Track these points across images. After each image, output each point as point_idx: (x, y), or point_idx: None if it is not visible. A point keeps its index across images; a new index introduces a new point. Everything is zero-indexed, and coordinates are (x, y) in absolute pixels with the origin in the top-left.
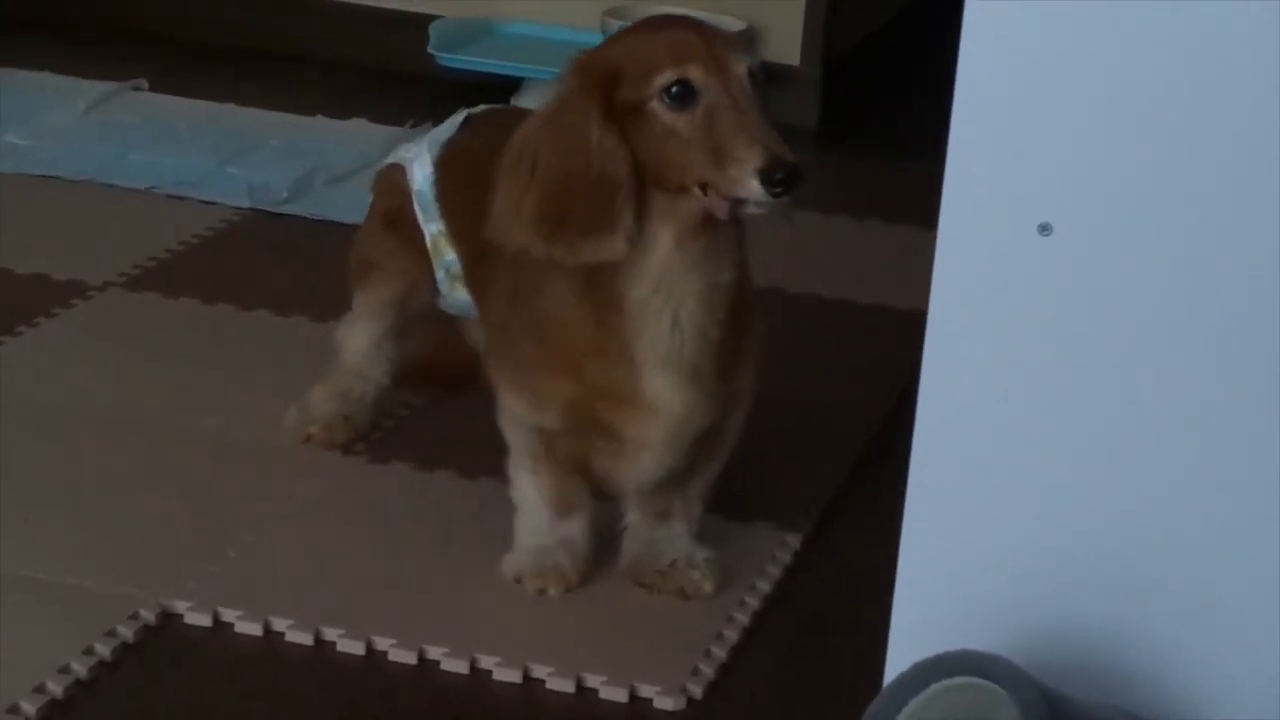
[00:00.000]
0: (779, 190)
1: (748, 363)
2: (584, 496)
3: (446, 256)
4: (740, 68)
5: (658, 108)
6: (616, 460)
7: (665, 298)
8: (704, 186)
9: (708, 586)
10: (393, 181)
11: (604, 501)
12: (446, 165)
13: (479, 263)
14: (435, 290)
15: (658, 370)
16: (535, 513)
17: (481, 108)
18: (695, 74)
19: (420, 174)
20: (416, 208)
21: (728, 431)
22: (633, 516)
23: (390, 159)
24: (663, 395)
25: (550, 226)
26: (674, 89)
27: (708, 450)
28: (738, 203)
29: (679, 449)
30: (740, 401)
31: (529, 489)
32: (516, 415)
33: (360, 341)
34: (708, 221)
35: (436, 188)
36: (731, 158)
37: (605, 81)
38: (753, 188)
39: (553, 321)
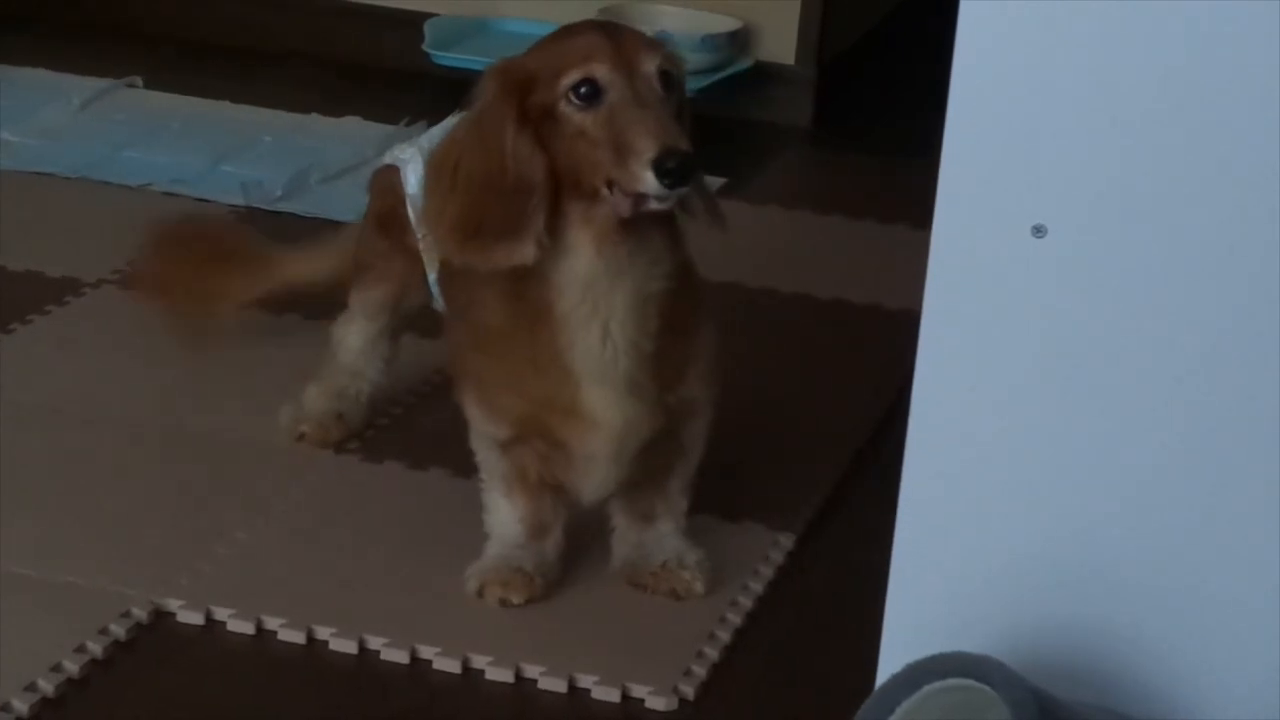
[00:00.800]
0: (670, 181)
1: (697, 369)
2: (559, 515)
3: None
4: (649, 65)
5: (566, 108)
6: (568, 472)
7: (593, 308)
8: (611, 185)
9: (699, 587)
10: (387, 183)
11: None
12: None
13: (446, 271)
14: (429, 292)
15: (593, 384)
16: (509, 535)
17: None
18: (600, 72)
19: (413, 177)
20: (410, 211)
21: (688, 440)
22: (619, 519)
23: (386, 159)
24: (601, 409)
25: (466, 233)
26: (581, 88)
27: (665, 458)
28: (639, 199)
29: (623, 461)
30: (696, 408)
31: (505, 512)
32: (478, 427)
33: (355, 340)
34: (625, 226)
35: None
36: (629, 151)
37: (520, 87)
38: (647, 179)
39: (492, 334)
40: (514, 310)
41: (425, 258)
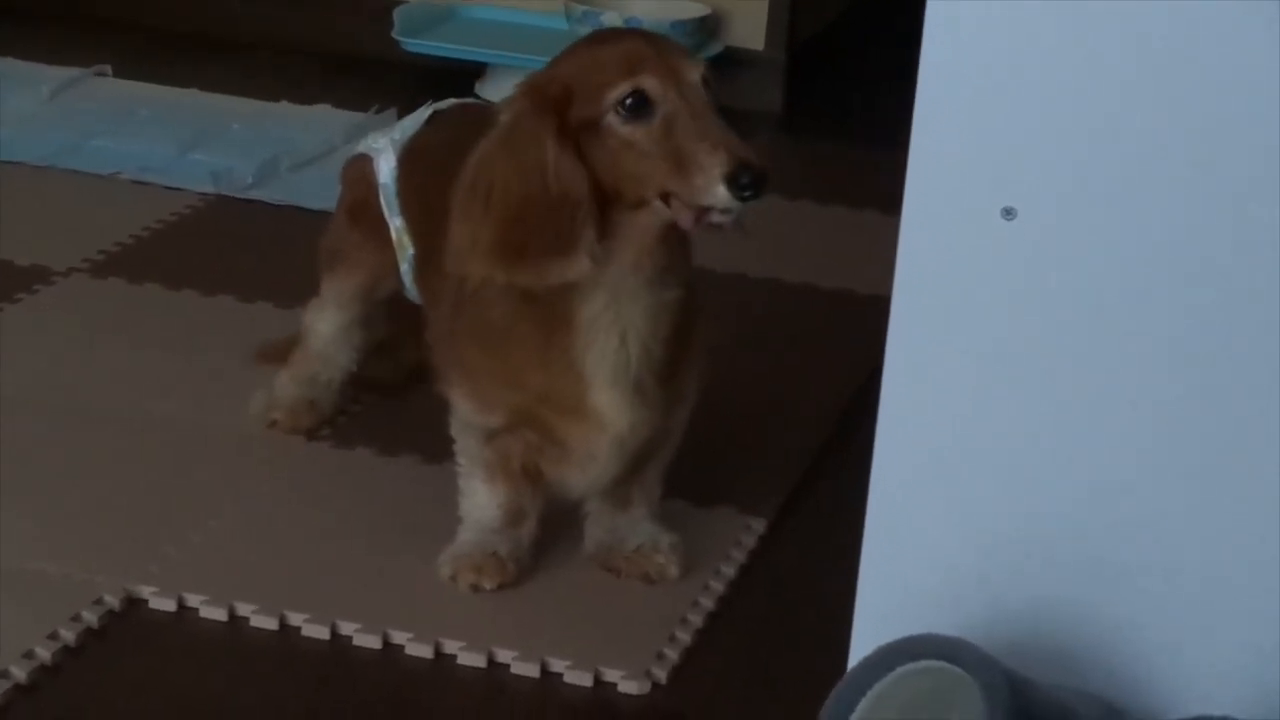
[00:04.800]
0: (748, 195)
1: (690, 369)
2: (536, 503)
3: (409, 250)
4: (694, 75)
5: (614, 121)
6: (562, 467)
7: (615, 315)
8: (665, 197)
9: (673, 570)
10: (360, 172)
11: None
12: (409, 161)
13: (427, 262)
14: (400, 282)
15: (604, 386)
16: (485, 520)
17: (448, 102)
18: (650, 84)
19: (385, 167)
20: (382, 201)
21: (673, 428)
22: (593, 504)
23: (359, 149)
24: (609, 410)
25: (512, 253)
26: (629, 101)
27: (653, 448)
28: (703, 211)
29: (623, 460)
30: (684, 400)
31: (483, 497)
32: (466, 419)
33: (327, 328)
34: (666, 236)
35: (398, 183)
36: (696, 165)
37: (558, 100)
38: (720, 194)
39: (499, 333)
40: (524, 310)
41: (398, 248)
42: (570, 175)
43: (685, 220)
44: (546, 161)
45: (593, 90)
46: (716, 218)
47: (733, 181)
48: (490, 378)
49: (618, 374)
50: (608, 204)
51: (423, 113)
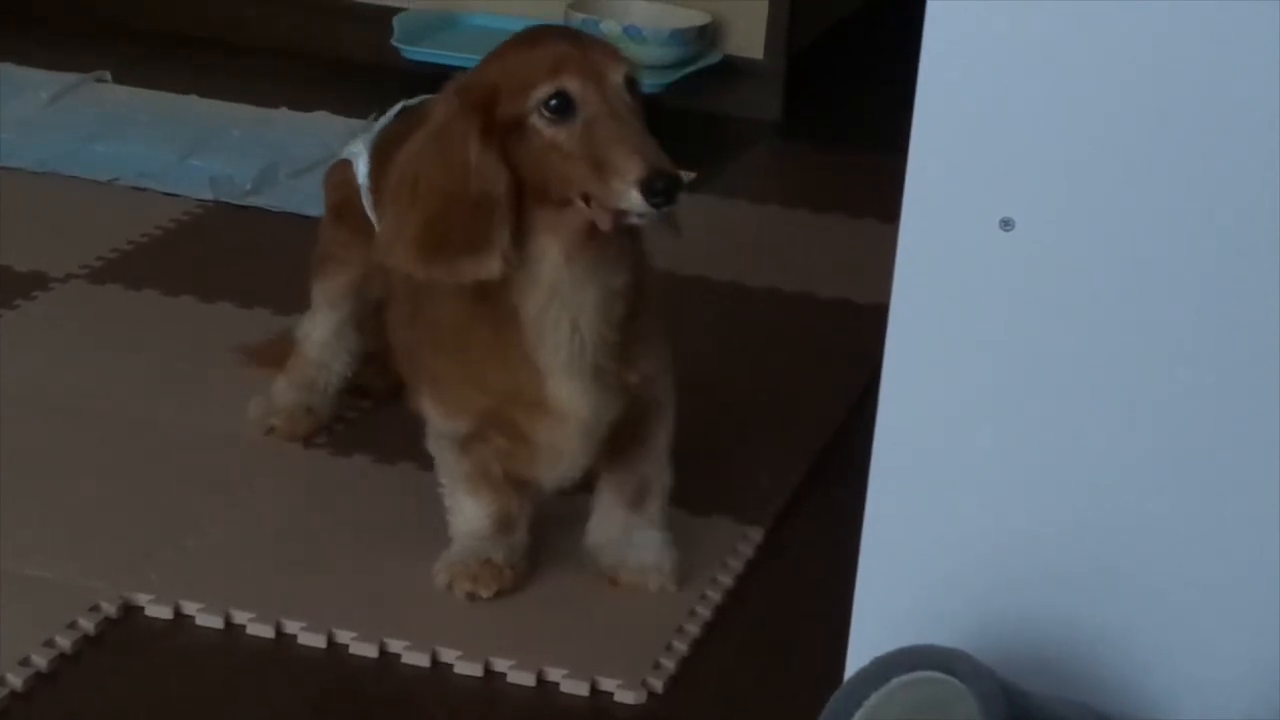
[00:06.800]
0: (659, 200)
1: (650, 342)
2: (525, 509)
3: None
4: (617, 76)
5: (537, 122)
6: (532, 464)
7: (561, 307)
8: (586, 198)
9: (671, 589)
10: (341, 176)
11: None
12: (381, 158)
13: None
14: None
15: (562, 377)
16: (477, 530)
17: (418, 99)
18: (572, 85)
19: (364, 168)
20: (364, 202)
21: (660, 398)
22: (604, 497)
23: (341, 154)
24: (569, 400)
25: (430, 248)
26: (552, 102)
27: (642, 427)
28: (619, 214)
29: (590, 450)
30: (653, 379)
31: (470, 510)
32: (436, 426)
33: (320, 333)
34: (594, 232)
35: (371, 180)
36: (612, 169)
37: (484, 101)
38: (633, 199)
39: (450, 333)
40: (474, 310)
41: None
42: (491, 176)
43: (604, 221)
44: (469, 161)
45: (518, 90)
46: (633, 220)
47: (646, 187)
48: (452, 380)
49: (573, 363)
50: (533, 202)
51: (393, 110)
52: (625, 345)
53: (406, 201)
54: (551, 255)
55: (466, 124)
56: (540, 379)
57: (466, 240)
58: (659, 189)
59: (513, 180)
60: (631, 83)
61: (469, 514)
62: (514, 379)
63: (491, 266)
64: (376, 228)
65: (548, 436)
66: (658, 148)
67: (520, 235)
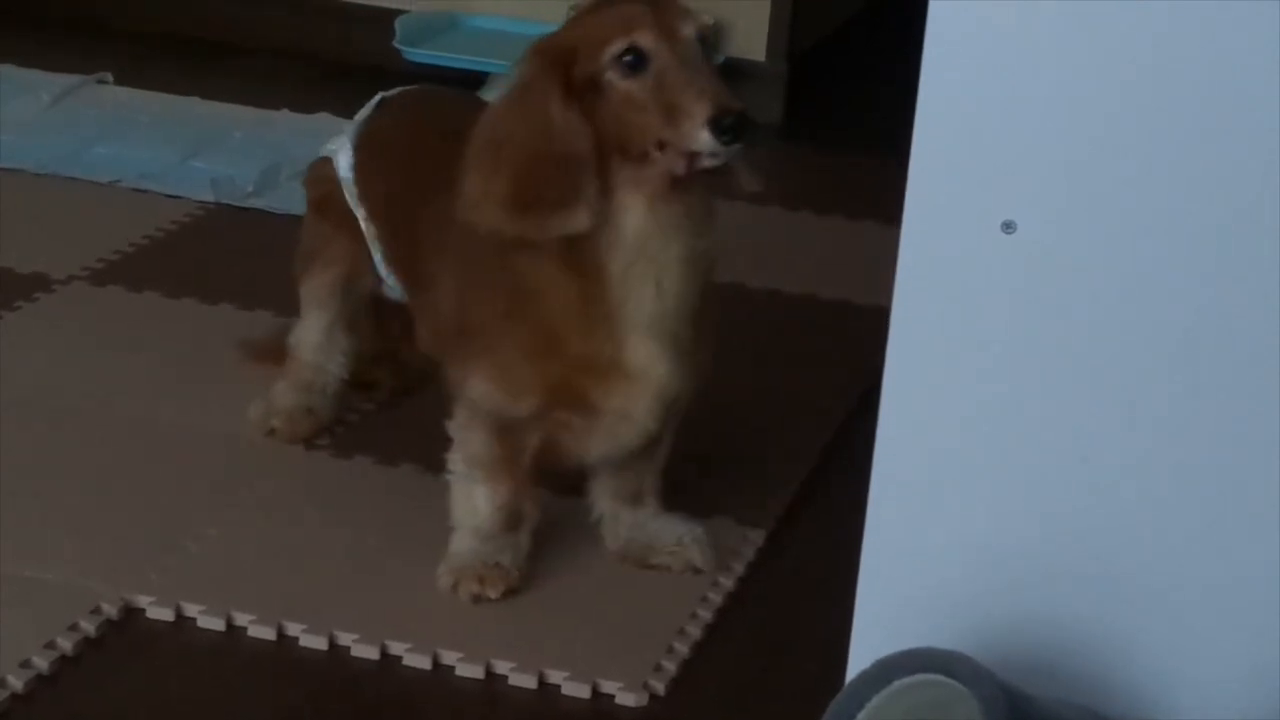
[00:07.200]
0: (728, 138)
1: (709, 338)
2: (535, 508)
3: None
4: (688, 30)
5: (612, 77)
6: (589, 437)
7: (647, 264)
8: (662, 147)
9: (708, 560)
10: (321, 173)
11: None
12: (364, 150)
13: (400, 243)
14: (376, 276)
15: (642, 338)
16: (482, 525)
17: (396, 90)
18: (644, 39)
19: (344, 162)
20: (347, 196)
21: (664, 437)
22: (605, 504)
23: (320, 153)
24: (647, 362)
25: (519, 205)
26: (625, 57)
27: (669, 422)
28: (693, 157)
29: (659, 416)
30: (702, 374)
31: (481, 500)
32: (489, 407)
33: (312, 334)
34: (676, 185)
35: (355, 172)
36: (683, 113)
37: (563, 61)
38: (703, 138)
39: (531, 300)
40: (557, 271)
41: (369, 240)
42: (574, 132)
43: (679, 167)
44: (553, 119)
45: (593, 49)
46: (706, 161)
47: (715, 126)
48: (522, 352)
49: (654, 324)
50: (614, 159)
51: (373, 103)
52: (697, 325)
53: (490, 161)
54: (636, 210)
55: (548, 83)
56: (620, 340)
57: (555, 196)
58: (727, 125)
59: (595, 138)
60: (703, 38)
61: (478, 504)
62: (593, 341)
63: (580, 219)
64: (360, 221)
65: (619, 403)
66: (726, 89)
67: (604, 193)
